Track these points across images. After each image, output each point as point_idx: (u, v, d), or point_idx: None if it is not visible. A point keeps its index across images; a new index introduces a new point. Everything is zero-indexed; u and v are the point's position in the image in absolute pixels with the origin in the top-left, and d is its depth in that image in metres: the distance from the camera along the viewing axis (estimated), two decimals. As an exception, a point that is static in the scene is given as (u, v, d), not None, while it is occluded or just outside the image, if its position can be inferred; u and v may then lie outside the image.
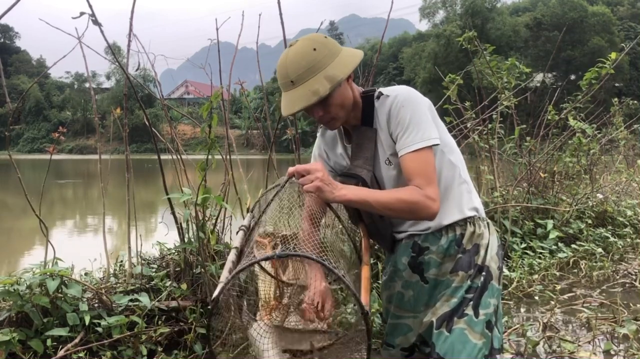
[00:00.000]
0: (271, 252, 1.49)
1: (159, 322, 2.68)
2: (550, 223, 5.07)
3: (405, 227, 1.72)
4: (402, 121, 1.53)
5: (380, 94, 1.60)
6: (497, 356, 1.59)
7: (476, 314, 1.57)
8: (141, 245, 3.27)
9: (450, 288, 1.63)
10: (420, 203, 1.49)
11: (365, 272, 1.48)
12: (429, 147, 1.52)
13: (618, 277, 4.42)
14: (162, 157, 3.13)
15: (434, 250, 1.67)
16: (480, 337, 1.54)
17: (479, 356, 1.52)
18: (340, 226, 1.66)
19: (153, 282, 2.97)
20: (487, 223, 1.71)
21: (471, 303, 1.58)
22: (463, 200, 1.66)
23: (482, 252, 1.64)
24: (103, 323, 2.52)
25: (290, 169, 1.51)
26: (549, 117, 5.54)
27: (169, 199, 2.98)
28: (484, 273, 1.61)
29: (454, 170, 1.65)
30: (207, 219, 3.03)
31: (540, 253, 4.66)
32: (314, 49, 1.47)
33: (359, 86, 1.68)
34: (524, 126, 5.54)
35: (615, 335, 3.08)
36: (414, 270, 1.72)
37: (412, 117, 1.52)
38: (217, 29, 3.46)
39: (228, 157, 3.31)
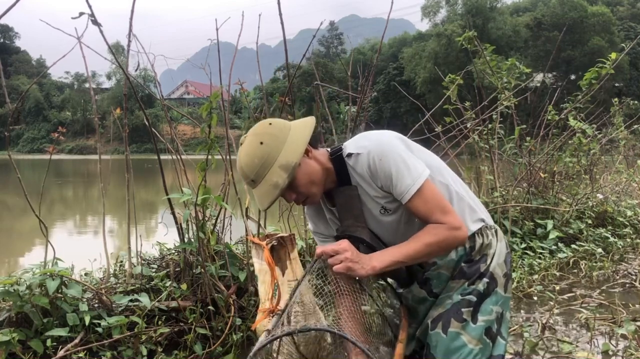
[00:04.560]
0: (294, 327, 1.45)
1: (159, 322, 2.68)
2: (550, 223, 5.07)
3: None
4: (388, 174, 1.51)
5: (350, 154, 1.57)
6: None
7: (474, 320, 1.56)
8: (141, 245, 3.27)
9: (447, 294, 1.63)
10: (449, 238, 1.50)
11: (399, 349, 1.47)
12: (425, 181, 1.51)
13: (618, 277, 4.41)
14: (162, 157, 3.13)
15: (442, 264, 1.65)
16: (477, 343, 1.54)
17: None
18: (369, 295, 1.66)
19: (153, 282, 2.97)
20: (495, 230, 1.69)
21: (470, 308, 1.57)
22: (466, 216, 1.63)
23: (488, 260, 1.63)
24: (103, 323, 2.53)
25: (318, 250, 1.50)
26: (549, 117, 5.54)
27: (168, 199, 2.98)
28: (486, 279, 1.60)
29: (447, 190, 1.63)
30: (207, 219, 3.04)
31: (540, 253, 4.66)
32: (261, 143, 1.48)
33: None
34: (524, 126, 5.54)
35: (614, 336, 3.08)
36: (421, 286, 1.70)
37: (395, 165, 1.50)
38: (217, 29, 3.47)
39: (228, 157, 3.31)
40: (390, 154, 1.51)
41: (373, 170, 1.52)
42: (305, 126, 1.55)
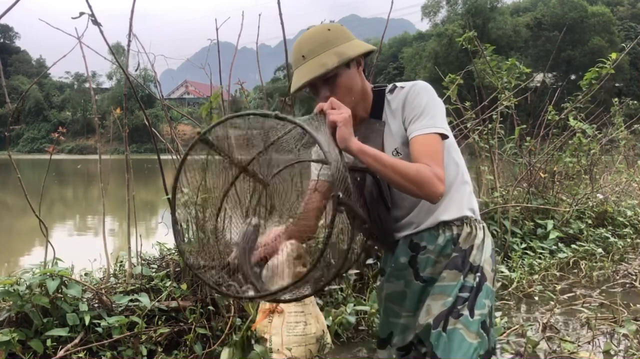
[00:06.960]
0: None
1: (159, 322, 2.68)
2: (550, 223, 5.07)
3: (404, 227, 1.72)
4: (418, 106, 1.55)
5: (395, 86, 1.65)
6: (492, 357, 1.59)
7: (472, 315, 1.57)
8: (141, 245, 3.27)
9: (441, 284, 1.63)
10: (429, 178, 1.46)
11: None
12: (439, 135, 1.53)
13: (618, 277, 4.41)
14: (162, 157, 3.13)
15: (431, 249, 1.67)
16: (476, 337, 1.55)
17: (474, 356, 1.52)
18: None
19: (153, 282, 2.97)
20: (483, 226, 1.71)
21: (467, 303, 1.58)
22: (464, 200, 1.66)
23: (475, 252, 1.64)
24: (103, 323, 2.52)
25: (321, 103, 1.46)
26: (549, 117, 5.54)
27: (168, 199, 2.97)
28: (478, 274, 1.61)
29: (457, 169, 1.66)
30: (207, 219, 3.03)
31: (541, 253, 4.66)
32: (328, 30, 1.56)
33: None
34: (524, 126, 5.54)
35: (615, 335, 3.08)
36: (412, 267, 1.72)
37: (428, 104, 1.54)
38: (217, 29, 3.47)
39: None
40: (432, 95, 1.57)
41: (408, 99, 1.57)
42: (366, 44, 1.63)
